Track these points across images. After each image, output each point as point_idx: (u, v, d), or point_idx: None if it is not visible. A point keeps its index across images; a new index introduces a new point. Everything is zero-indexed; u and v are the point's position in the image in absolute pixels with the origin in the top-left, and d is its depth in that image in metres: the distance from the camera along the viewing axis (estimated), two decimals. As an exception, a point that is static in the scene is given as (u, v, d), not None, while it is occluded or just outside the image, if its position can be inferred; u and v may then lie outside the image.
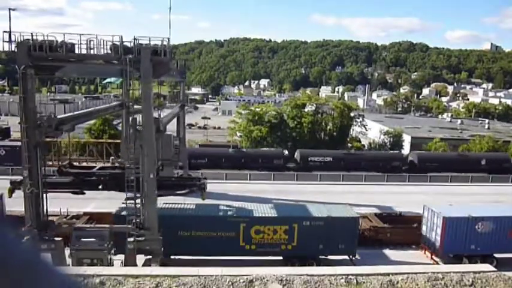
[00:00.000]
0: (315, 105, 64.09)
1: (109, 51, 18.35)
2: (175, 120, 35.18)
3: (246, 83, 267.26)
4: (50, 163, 32.28)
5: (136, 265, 18.52)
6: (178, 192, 27.43)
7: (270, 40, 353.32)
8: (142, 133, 18.84)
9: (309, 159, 46.71)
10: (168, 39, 19.19)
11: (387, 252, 23.74)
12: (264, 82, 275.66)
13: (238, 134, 62.32)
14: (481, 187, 40.22)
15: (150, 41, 18.86)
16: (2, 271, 0.94)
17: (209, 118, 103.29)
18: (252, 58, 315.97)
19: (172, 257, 20.87)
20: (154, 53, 18.59)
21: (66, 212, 24.89)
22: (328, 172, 43.13)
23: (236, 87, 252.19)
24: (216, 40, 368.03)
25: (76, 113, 28.50)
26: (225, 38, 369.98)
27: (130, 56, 18.18)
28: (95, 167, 31.11)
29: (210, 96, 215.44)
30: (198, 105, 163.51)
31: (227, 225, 20.48)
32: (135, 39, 18.67)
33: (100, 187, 25.93)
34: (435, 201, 28.35)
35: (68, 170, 27.17)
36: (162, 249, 19.68)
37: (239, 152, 47.53)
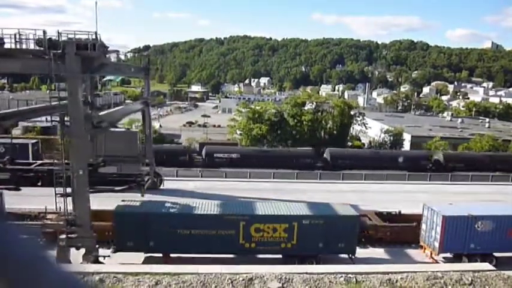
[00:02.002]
0: (315, 103, 64.08)
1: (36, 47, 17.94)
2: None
3: (246, 81, 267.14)
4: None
5: (70, 262, 18.25)
6: (116, 188, 27.65)
7: (271, 38, 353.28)
8: (70, 129, 18.49)
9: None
10: (96, 33, 18.76)
11: (386, 250, 23.75)
12: (264, 80, 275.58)
13: (238, 132, 62.33)
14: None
15: (75, 35, 18.40)
16: (3, 268, 0.94)
17: (209, 116, 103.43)
18: (252, 56, 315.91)
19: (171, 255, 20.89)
20: (82, 48, 18.13)
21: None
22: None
23: (236, 85, 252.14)
24: (216, 38, 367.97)
25: (19, 109, 27.87)
26: (225, 36, 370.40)
27: (55, 51, 17.70)
28: (35, 163, 31.05)
29: (210, 94, 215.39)
30: (198, 103, 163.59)
31: (227, 223, 20.48)
32: (59, 33, 18.20)
33: (39, 184, 25.94)
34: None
35: (7, 166, 27.15)
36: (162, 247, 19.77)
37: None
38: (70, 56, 17.95)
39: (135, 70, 34.72)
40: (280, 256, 21.07)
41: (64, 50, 17.86)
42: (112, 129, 34.29)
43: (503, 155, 54.24)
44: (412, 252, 23.76)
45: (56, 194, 19.13)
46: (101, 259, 19.37)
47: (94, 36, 18.51)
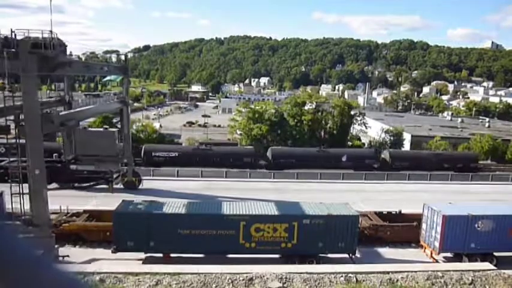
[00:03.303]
0: (315, 103, 64.08)
1: None
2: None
3: (246, 81, 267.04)
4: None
5: None
6: (84, 185, 27.69)
7: (270, 38, 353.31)
8: (25, 128, 18.28)
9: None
10: (51, 31, 18.55)
11: (387, 250, 23.76)
12: (264, 80, 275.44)
13: (238, 132, 62.33)
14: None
15: (29, 33, 18.21)
16: (3, 268, 0.93)
17: (209, 116, 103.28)
18: (252, 56, 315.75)
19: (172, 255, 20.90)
20: (37, 47, 17.93)
21: (66, 210, 24.87)
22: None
23: (236, 85, 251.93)
24: (216, 38, 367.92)
25: None
26: (225, 36, 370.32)
27: (9, 49, 17.54)
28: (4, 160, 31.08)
29: (210, 94, 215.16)
30: (198, 103, 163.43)
31: (227, 223, 20.48)
32: (12, 32, 18.05)
33: (9, 180, 25.96)
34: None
35: None
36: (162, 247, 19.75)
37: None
38: (24, 54, 17.69)
39: (110, 69, 34.28)
40: (280, 256, 21.09)
41: (17, 48, 17.66)
42: (91, 128, 34.43)
43: (449, 153, 54.14)
44: (412, 251, 23.77)
45: (11, 193, 18.76)
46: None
47: (48, 35, 18.29)
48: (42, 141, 19.38)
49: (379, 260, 21.41)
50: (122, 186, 32.85)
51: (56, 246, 19.51)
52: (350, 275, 14.72)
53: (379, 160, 48.47)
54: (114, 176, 30.63)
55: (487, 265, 16.98)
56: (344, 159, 46.82)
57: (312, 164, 44.64)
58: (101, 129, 33.11)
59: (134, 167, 33.96)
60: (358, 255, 21.51)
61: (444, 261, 22.21)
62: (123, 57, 32.64)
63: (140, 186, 33.60)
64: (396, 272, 15.24)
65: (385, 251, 23.57)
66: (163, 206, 21.52)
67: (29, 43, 17.86)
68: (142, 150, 46.12)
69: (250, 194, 30.55)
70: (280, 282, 13.90)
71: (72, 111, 26.55)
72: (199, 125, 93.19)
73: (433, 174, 43.57)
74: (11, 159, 26.42)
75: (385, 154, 50.01)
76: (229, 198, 28.04)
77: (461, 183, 41.76)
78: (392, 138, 65.35)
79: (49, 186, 23.98)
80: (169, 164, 43.50)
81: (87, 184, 28.26)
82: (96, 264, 18.40)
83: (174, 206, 21.66)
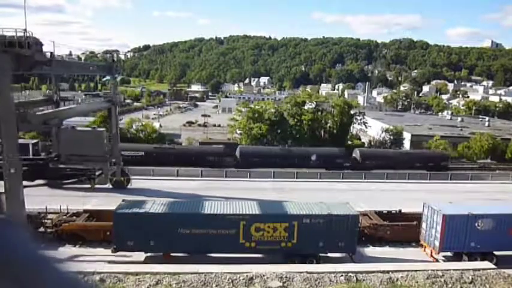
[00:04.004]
0: (315, 102, 64.07)
1: None
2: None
3: (246, 81, 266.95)
4: None
5: None
6: (65, 181, 27.73)
7: (270, 37, 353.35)
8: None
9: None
10: (25, 30, 18.36)
11: (387, 249, 23.77)
12: (264, 80, 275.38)
13: (238, 131, 62.33)
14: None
15: (3, 32, 18.06)
16: (5, 268, 0.94)
17: (209, 116, 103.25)
18: (252, 55, 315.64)
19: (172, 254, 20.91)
20: (13, 45, 17.74)
21: (66, 210, 24.87)
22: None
23: (236, 84, 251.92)
24: (216, 37, 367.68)
25: None
26: (225, 35, 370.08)
27: None
28: None
29: (210, 93, 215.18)
30: (198, 103, 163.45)
31: (227, 223, 20.48)
32: None
33: None
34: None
35: None
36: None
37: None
38: None
39: (95, 69, 34.08)
40: (280, 255, 21.09)
41: None
42: (79, 128, 34.47)
43: (420, 152, 53.87)
44: (412, 251, 23.77)
45: None
46: None
47: (28, 34, 18.13)
48: (18, 140, 19.25)
49: (379, 260, 21.41)
50: (110, 186, 32.69)
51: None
52: (350, 274, 14.72)
53: (350, 159, 48.17)
54: (96, 173, 30.55)
55: (487, 264, 16.98)
56: (313, 158, 46.52)
57: (279, 163, 44.34)
58: (89, 128, 33.04)
59: (123, 166, 33.91)
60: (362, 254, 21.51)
61: (444, 261, 22.21)
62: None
63: (129, 186, 33.44)
64: (396, 271, 15.24)
65: (385, 251, 23.57)
66: (163, 206, 21.52)
67: (2, 42, 17.63)
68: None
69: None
70: (280, 282, 13.90)
71: (52, 110, 26.55)
72: (199, 125, 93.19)
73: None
74: None
75: (356, 153, 49.65)
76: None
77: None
78: (392, 137, 65.35)
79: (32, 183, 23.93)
80: (136, 163, 42.74)
81: (70, 181, 28.37)
82: (96, 264, 18.40)
83: (175, 206, 21.66)
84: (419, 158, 49.57)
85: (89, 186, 31.58)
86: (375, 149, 56.27)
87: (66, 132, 29.39)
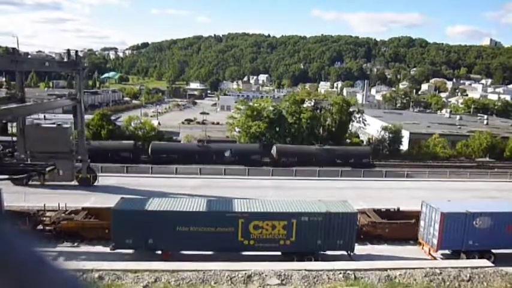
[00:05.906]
0: (313, 100, 64.03)
1: None
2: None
3: (245, 78, 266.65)
4: None
5: None
6: (15, 176, 27.79)
7: (269, 35, 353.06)
8: None
9: None
10: None
11: (385, 247, 23.82)
12: (262, 77, 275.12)
13: (237, 129, 62.29)
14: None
15: None
16: (2, 267, 0.93)
17: (208, 113, 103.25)
18: (250, 53, 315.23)
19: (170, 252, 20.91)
20: None
21: (65, 207, 24.85)
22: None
23: (235, 82, 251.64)
24: (214, 35, 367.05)
25: None
26: (223, 33, 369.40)
27: None
28: None
29: (208, 91, 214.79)
30: (196, 101, 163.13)
31: (226, 221, 20.48)
32: None
33: None
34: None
35: None
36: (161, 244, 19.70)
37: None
38: None
39: (58, 65, 33.81)
40: (279, 253, 21.12)
41: None
42: (45, 125, 34.37)
43: (342, 149, 52.26)
44: (410, 249, 23.83)
45: None
46: None
47: None
48: None
49: (377, 258, 21.46)
50: (76, 183, 32.40)
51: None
52: (348, 272, 14.76)
53: (266, 155, 47.37)
54: (47, 169, 30.41)
55: (484, 262, 17.05)
56: (227, 154, 45.66)
57: (193, 159, 43.81)
58: (54, 125, 32.96)
59: (89, 163, 33.78)
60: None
61: (442, 259, 22.28)
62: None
63: (96, 183, 33.20)
64: (394, 268, 15.29)
65: (383, 248, 23.62)
66: (162, 203, 21.50)
67: None
68: None
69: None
70: (278, 279, 13.93)
71: (6, 107, 26.49)
72: (198, 123, 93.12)
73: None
74: None
75: (273, 149, 48.87)
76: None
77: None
78: (391, 135, 65.36)
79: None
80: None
81: (20, 176, 28.24)
82: (95, 262, 18.40)
83: (173, 204, 21.66)
84: (340, 155, 48.60)
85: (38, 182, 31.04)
86: (294, 145, 53.57)
87: (32, 128, 29.45)
